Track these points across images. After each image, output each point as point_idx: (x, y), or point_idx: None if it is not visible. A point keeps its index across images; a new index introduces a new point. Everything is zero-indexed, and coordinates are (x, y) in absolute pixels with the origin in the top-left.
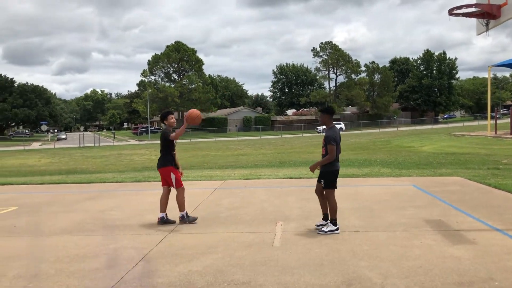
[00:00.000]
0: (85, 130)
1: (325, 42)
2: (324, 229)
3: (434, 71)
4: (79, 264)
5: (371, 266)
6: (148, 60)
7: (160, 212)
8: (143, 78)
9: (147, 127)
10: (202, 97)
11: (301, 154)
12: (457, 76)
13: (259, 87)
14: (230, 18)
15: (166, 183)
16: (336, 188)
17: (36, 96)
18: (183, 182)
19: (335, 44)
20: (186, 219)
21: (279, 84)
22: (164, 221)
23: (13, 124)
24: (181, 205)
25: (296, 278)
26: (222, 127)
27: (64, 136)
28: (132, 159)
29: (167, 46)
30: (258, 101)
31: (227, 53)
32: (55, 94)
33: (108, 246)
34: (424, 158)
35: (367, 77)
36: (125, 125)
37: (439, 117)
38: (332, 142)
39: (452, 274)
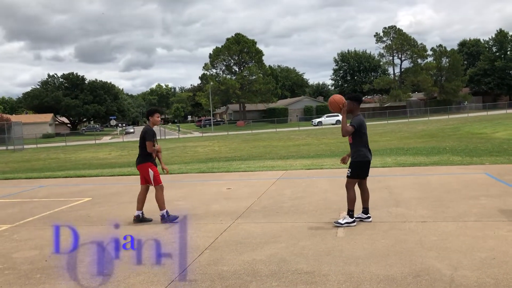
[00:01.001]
0: None
1: (389, 27)
2: (340, 221)
3: (509, 52)
4: (148, 251)
5: (440, 257)
6: (210, 54)
7: (137, 210)
8: (205, 72)
9: (210, 119)
10: (263, 88)
11: None
12: None
13: (320, 75)
14: (290, 7)
15: (145, 181)
16: (363, 178)
17: (105, 92)
18: (161, 179)
19: (399, 28)
20: (167, 218)
21: (341, 71)
22: (140, 219)
23: (84, 119)
24: (160, 204)
25: (361, 268)
26: (283, 118)
27: (132, 130)
28: (196, 151)
29: (227, 39)
30: (319, 90)
31: (287, 42)
32: (122, 89)
33: (175, 234)
34: (498, 145)
35: (434, 62)
36: (189, 118)
37: None
38: (353, 124)
39: None
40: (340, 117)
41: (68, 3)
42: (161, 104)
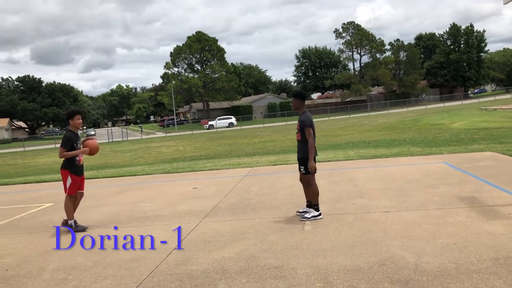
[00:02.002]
0: (113, 125)
1: (348, 23)
2: (307, 215)
3: (462, 45)
4: (115, 255)
5: (404, 246)
6: (171, 52)
7: (69, 219)
8: (167, 71)
9: (173, 118)
10: (226, 85)
11: (329, 138)
12: (486, 49)
13: (283, 72)
14: (251, 4)
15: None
16: (315, 172)
17: (63, 95)
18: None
19: (357, 24)
20: (74, 228)
21: (303, 68)
22: (74, 227)
23: (43, 123)
24: (68, 212)
25: (329, 260)
26: (247, 115)
27: (93, 132)
28: (160, 151)
29: (188, 37)
30: (282, 87)
31: (250, 40)
32: (81, 91)
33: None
34: (455, 135)
35: (392, 56)
36: (152, 118)
37: (469, 92)
38: (309, 125)
39: (487, 250)
40: (233, 120)
41: (21, 3)
42: (122, 105)
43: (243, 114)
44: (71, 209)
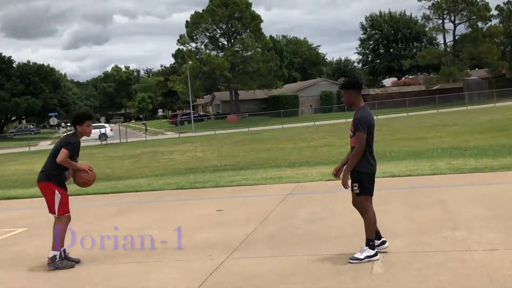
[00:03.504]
0: (108, 121)
1: None
2: (358, 255)
3: None
4: None
5: None
6: (186, 21)
7: (54, 249)
8: (181, 47)
9: (189, 113)
10: (262, 67)
11: (408, 142)
12: None
13: (343, 48)
14: None
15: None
16: (372, 195)
17: (41, 80)
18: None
19: None
20: (58, 263)
21: (371, 42)
22: (62, 259)
23: (13, 118)
24: (59, 239)
25: None
26: (291, 109)
27: None
28: (172, 159)
29: (211, 0)
30: (341, 69)
31: (297, 3)
32: (65, 75)
33: (148, 276)
34: None
35: (501, 25)
36: (160, 112)
37: None
38: (363, 129)
39: None
40: (106, 130)
41: None
42: (120, 93)
43: (286, 107)
44: (63, 236)
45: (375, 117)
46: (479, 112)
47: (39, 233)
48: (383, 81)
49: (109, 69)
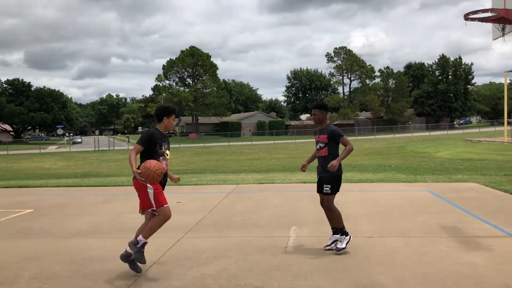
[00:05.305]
0: (100, 134)
1: (339, 48)
2: (340, 245)
3: (450, 77)
4: (93, 266)
5: (385, 272)
6: (163, 65)
7: (143, 236)
8: (158, 83)
9: None
10: (216, 101)
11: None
12: (473, 81)
13: (274, 91)
14: (249, 23)
15: (143, 204)
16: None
17: (52, 100)
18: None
19: (349, 49)
20: (136, 250)
21: (293, 89)
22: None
23: (29, 127)
24: (152, 230)
25: (310, 283)
26: (236, 132)
27: (79, 140)
28: None
29: (182, 51)
30: (272, 106)
31: (244, 58)
32: (71, 98)
33: (122, 248)
34: (439, 164)
35: (382, 83)
36: (140, 129)
37: (454, 122)
38: (341, 132)
39: (468, 281)
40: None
41: (19, 7)
42: (111, 114)
43: (232, 130)
44: (157, 228)
45: (293, 141)
46: (365, 141)
47: (43, 213)
48: (301, 116)
49: (104, 95)
